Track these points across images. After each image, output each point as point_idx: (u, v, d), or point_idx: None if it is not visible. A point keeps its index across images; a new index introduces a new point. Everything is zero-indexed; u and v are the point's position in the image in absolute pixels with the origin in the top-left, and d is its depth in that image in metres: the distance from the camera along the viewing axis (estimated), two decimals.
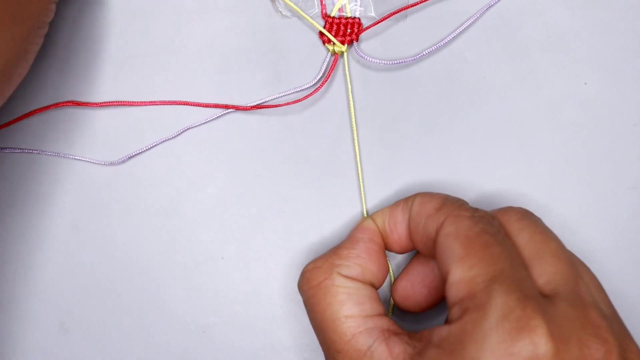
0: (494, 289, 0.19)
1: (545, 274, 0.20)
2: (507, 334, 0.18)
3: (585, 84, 0.28)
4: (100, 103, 0.29)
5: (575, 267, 0.21)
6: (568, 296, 0.20)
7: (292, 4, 0.28)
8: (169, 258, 0.29)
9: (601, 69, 0.28)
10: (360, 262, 0.24)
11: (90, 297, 0.29)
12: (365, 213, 0.28)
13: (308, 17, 0.28)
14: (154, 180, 0.29)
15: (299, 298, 0.28)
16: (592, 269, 0.23)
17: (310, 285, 0.23)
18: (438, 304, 0.25)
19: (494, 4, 0.29)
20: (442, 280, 0.21)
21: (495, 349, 0.18)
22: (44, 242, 0.29)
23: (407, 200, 0.24)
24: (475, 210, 0.22)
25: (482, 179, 0.28)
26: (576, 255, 0.23)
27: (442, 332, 0.20)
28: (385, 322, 0.22)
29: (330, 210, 0.29)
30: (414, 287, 0.25)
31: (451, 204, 0.22)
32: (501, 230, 0.22)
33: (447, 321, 0.20)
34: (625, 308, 0.27)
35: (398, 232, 0.24)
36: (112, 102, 0.29)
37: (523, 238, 0.22)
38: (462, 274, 0.20)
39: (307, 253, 0.28)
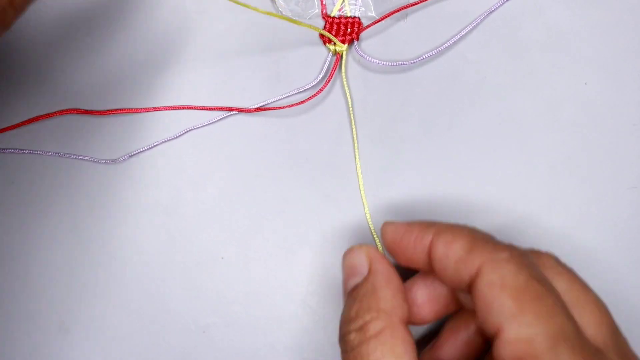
0: (560, 351, 0.18)
1: (592, 325, 0.20)
2: None
3: (585, 84, 0.28)
4: (104, 111, 0.29)
5: (612, 317, 0.21)
6: (615, 349, 0.19)
7: (287, 18, 0.27)
8: (169, 258, 0.29)
9: (601, 69, 0.28)
10: (404, 297, 0.23)
11: (90, 297, 0.29)
12: (367, 214, 0.28)
13: (306, 25, 0.28)
14: (154, 180, 0.29)
15: (299, 298, 0.28)
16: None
17: (366, 336, 0.22)
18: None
19: (494, 9, 0.29)
20: (486, 332, 0.20)
21: None
22: (44, 242, 0.29)
23: (423, 231, 0.23)
24: (511, 249, 0.21)
25: (482, 179, 0.28)
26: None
27: None
28: None
29: (330, 210, 0.29)
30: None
31: (483, 245, 0.21)
32: (543, 275, 0.20)
33: None
34: (625, 308, 0.27)
35: (409, 254, 0.23)
36: (115, 110, 0.29)
37: (563, 284, 0.21)
38: (518, 332, 0.19)
39: (307, 253, 0.28)
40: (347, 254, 0.24)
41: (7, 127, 0.29)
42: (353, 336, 0.22)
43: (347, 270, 0.24)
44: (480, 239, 0.21)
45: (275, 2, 0.29)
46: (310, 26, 0.28)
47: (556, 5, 0.29)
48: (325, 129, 0.29)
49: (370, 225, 0.28)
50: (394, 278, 0.23)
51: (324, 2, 0.29)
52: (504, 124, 0.28)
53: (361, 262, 0.24)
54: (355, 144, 0.28)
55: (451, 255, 0.21)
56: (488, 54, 0.29)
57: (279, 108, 0.29)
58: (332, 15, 0.29)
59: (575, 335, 0.19)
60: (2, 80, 0.30)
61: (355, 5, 0.29)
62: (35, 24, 0.30)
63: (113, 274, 0.29)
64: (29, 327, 0.29)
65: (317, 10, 0.29)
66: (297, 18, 0.29)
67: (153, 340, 0.28)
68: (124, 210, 0.29)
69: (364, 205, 0.28)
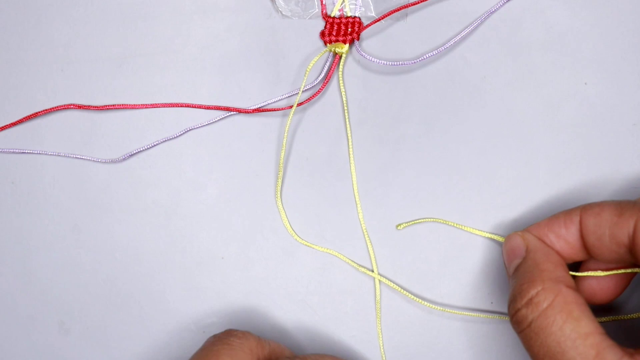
0: None
1: None
2: None
3: (585, 83, 0.28)
4: (102, 106, 0.29)
5: None
6: None
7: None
8: (169, 258, 0.29)
9: (601, 69, 0.28)
10: (565, 268, 0.23)
11: (90, 297, 0.29)
12: (360, 216, 0.28)
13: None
14: (155, 180, 0.29)
15: (299, 298, 0.28)
16: None
17: (541, 308, 0.22)
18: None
19: (494, 10, 0.29)
20: None
21: None
22: (44, 242, 0.29)
23: (569, 215, 0.24)
24: None
25: (482, 179, 0.28)
26: None
27: None
28: (612, 343, 0.21)
29: (329, 210, 0.29)
30: (599, 284, 0.25)
31: (631, 207, 0.22)
32: None
33: None
34: (625, 308, 0.27)
35: (560, 246, 0.24)
36: (114, 105, 0.29)
37: None
38: None
39: (307, 253, 0.28)
40: (505, 241, 0.26)
41: (7, 125, 0.29)
42: (524, 312, 0.22)
43: (507, 254, 0.25)
44: (625, 204, 0.22)
45: (275, 2, 0.29)
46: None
47: (556, 5, 0.29)
48: (325, 129, 0.29)
49: (363, 226, 0.28)
50: (552, 253, 0.24)
51: (324, 2, 0.29)
52: (504, 123, 0.28)
53: (518, 244, 0.25)
54: (350, 144, 0.28)
55: (604, 222, 0.22)
56: (488, 54, 0.29)
57: (279, 109, 0.29)
58: (332, 15, 0.29)
59: None
60: (2, 79, 0.30)
61: (355, 5, 0.29)
62: (35, 24, 0.30)
63: (113, 274, 0.29)
64: (29, 327, 0.29)
65: (317, 10, 0.29)
66: (297, 17, 0.29)
67: (153, 340, 0.28)
68: (124, 210, 0.29)
69: (356, 204, 0.28)
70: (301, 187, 0.29)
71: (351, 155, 0.28)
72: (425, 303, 0.28)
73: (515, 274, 0.24)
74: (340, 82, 0.29)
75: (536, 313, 0.22)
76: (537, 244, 0.24)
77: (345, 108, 0.29)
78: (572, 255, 0.24)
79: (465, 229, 0.28)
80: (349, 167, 0.29)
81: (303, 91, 0.29)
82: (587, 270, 0.24)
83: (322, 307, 0.28)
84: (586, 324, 0.21)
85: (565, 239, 0.24)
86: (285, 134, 0.28)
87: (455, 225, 0.28)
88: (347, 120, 0.29)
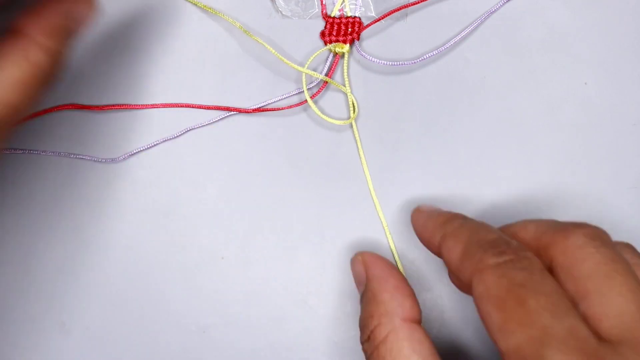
0: (545, 354, 0.17)
1: (610, 315, 0.18)
2: None
3: (585, 84, 0.28)
4: (102, 106, 0.29)
5: None
6: (637, 341, 0.17)
7: (278, 55, 0.27)
8: (169, 258, 0.29)
9: (601, 69, 0.28)
10: (404, 292, 0.22)
11: (90, 297, 0.29)
12: (381, 217, 0.28)
13: (289, 63, 0.28)
14: (154, 179, 0.29)
15: (299, 298, 0.28)
16: None
17: (374, 345, 0.22)
18: None
19: (494, 10, 0.29)
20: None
21: None
22: (44, 242, 0.29)
23: (435, 231, 0.23)
24: (500, 250, 0.20)
25: (483, 179, 0.28)
26: None
27: None
28: None
29: (330, 210, 0.29)
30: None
31: (473, 253, 0.20)
32: (533, 268, 0.19)
33: None
34: None
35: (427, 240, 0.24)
36: (114, 105, 0.29)
37: (585, 270, 0.19)
38: (507, 345, 0.18)
39: (307, 253, 0.28)
40: (351, 265, 0.25)
41: None
42: (366, 347, 0.22)
43: (355, 280, 0.25)
44: (473, 246, 0.21)
45: (275, 2, 0.29)
46: (293, 65, 0.28)
47: (556, 5, 0.29)
48: (325, 129, 0.29)
49: (384, 222, 0.28)
50: (391, 278, 0.23)
51: (324, 2, 0.29)
52: (504, 123, 0.28)
53: (360, 270, 0.24)
54: (359, 144, 0.28)
55: (452, 261, 0.21)
56: (488, 54, 0.29)
57: (279, 109, 0.29)
58: (332, 15, 0.29)
59: (564, 333, 0.17)
60: None
61: (355, 5, 0.29)
62: None
63: (113, 274, 0.29)
64: (29, 327, 0.29)
65: (317, 10, 0.29)
66: (297, 18, 0.29)
67: (153, 340, 0.28)
68: (124, 210, 0.29)
69: (375, 203, 0.28)
70: (301, 187, 0.29)
71: (362, 155, 0.28)
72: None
73: (361, 303, 0.24)
74: (346, 81, 0.29)
75: (372, 349, 0.22)
76: (375, 270, 0.24)
77: (352, 107, 0.29)
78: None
79: None
80: (351, 166, 0.29)
81: (302, 92, 0.29)
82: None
83: (322, 307, 0.28)
84: None
85: (429, 241, 0.24)
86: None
87: None
88: (353, 116, 0.29)
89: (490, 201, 0.28)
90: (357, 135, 0.28)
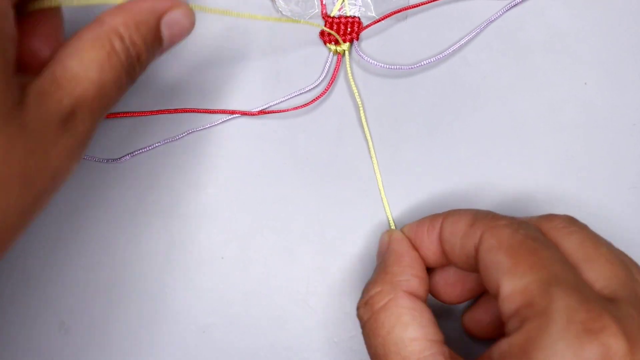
0: (552, 292, 0.18)
1: (601, 278, 0.19)
2: (575, 338, 0.17)
3: (585, 84, 0.28)
4: (107, 115, 0.29)
5: (629, 270, 0.20)
6: (629, 298, 0.19)
7: (286, 19, 0.28)
8: (169, 258, 0.29)
9: (601, 69, 0.28)
10: (415, 272, 0.23)
11: (90, 297, 0.29)
12: (389, 216, 0.28)
13: (306, 22, 0.28)
14: (155, 180, 0.29)
15: (299, 298, 0.28)
16: None
17: (374, 310, 0.22)
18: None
19: (494, 19, 0.29)
20: (494, 296, 0.20)
21: (564, 354, 0.17)
22: (44, 242, 0.29)
23: (434, 221, 0.23)
24: (512, 218, 0.21)
25: (484, 179, 0.28)
26: (628, 256, 0.22)
27: (502, 346, 0.19)
28: (446, 350, 0.21)
29: (330, 210, 0.29)
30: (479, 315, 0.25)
31: (484, 217, 0.21)
32: (543, 236, 0.21)
33: (505, 335, 0.19)
34: None
35: (425, 251, 0.24)
36: (118, 113, 0.29)
37: (573, 243, 0.21)
38: (514, 285, 0.19)
39: (307, 253, 0.28)
40: (380, 238, 0.26)
41: None
42: (362, 311, 0.23)
43: (378, 251, 0.26)
44: (482, 214, 0.22)
45: (275, 2, 0.30)
46: (311, 23, 0.28)
47: (557, 6, 0.29)
48: (326, 130, 0.29)
49: (391, 222, 0.28)
50: (407, 257, 0.24)
51: (323, 2, 0.29)
52: (505, 124, 0.28)
53: (384, 242, 0.25)
54: (370, 144, 0.28)
55: (457, 231, 0.22)
56: (489, 55, 0.29)
57: (282, 111, 0.29)
58: (332, 15, 0.29)
59: (574, 280, 0.19)
60: None
61: (355, 5, 0.29)
62: None
63: (113, 274, 0.29)
64: (29, 327, 0.29)
65: (317, 10, 0.29)
66: (297, 18, 0.30)
67: (153, 340, 0.28)
68: (125, 210, 0.29)
69: (383, 202, 0.28)
70: (302, 187, 0.29)
71: (373, 154, 0.28)
72: None
73: (395, 256, 0.24)
74: (351, 80, 0.29)
75: (369, 314, 0.22)
76: (397, 245, 0.24)
77: (361, 107, 0.29)
78: (435, 261, 0.24)
79: None
80: (353, 167, 0.29)
81: (304, 93, 0.29)
82: (442, 272, 0.25)
83: (322, 307, 0.28)
84: (414, 329, 0.21)
85: (427, 245, 0.24)
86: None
87: None
88: (363, 119, 0.29)
89: (490, 201, 0.28)
90: (368, 135, 0.28)
